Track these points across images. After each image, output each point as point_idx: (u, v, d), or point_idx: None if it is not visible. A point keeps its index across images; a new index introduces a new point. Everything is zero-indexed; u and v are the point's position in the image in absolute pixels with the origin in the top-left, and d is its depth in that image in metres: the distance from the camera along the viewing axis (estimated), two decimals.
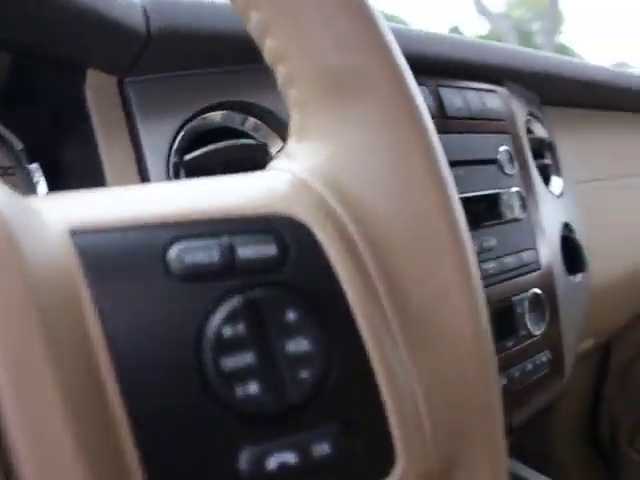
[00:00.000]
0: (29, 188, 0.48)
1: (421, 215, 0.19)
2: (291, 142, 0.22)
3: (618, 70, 0.99)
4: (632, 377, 1.32)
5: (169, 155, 0.42)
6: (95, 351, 0.16)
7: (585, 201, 0.82)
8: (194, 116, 0.43)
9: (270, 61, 0.21)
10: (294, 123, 0.21)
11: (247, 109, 0.45)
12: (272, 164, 0.22)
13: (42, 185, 0.48)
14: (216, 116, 0.45)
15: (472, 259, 0.20)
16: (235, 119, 0.46)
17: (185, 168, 0.43)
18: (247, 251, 0.18)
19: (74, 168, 0.45)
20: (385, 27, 0.20)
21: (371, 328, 0.18)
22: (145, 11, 0.39)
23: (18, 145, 0.48)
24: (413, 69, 0.20)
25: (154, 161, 0.41)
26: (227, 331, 0.18)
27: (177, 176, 0.42)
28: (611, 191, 0.91)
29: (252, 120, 0.46)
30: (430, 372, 0.19)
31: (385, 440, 0.19)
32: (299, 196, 0.19)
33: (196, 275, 0.18)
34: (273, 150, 0.46)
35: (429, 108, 0.20)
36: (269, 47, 0.20)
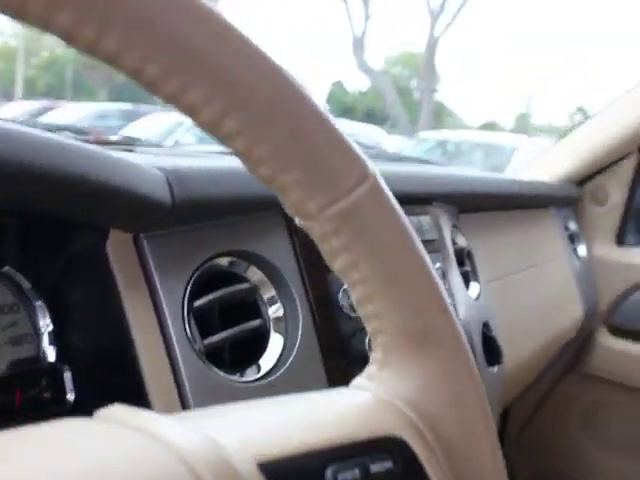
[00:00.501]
0: (33, 324, 0.51)
1: (470, 426, 0.28)
2: (373, 369, 0.29)
3: (517, 178, 1.15)
4: (527, 438, 1.47)
5: (183, 302, 0.48)
6: None
7: (498, 296, 0.95)
8: (203, 263, 0.50)
9: (364, 316, 0.28)
10: (377, 356, 0.29)
11: (245, 256, 0.52)
12: (356, 383, 0.30)
13: (46, 321, 0.52)
14: (223, 262, 0.51)
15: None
16: (240, 265, 0.52)
17: (193, 313, 0.49)
18: (376, 467, 0.25)
19: (87, 309, 0.49)
20: (444, 292, 0.28)
21: None
22: (169, 183, 0.45)
23: (25, 284, 0.52)
24: None
25: (171, 307, 0.47)
26: None
27: (189, 320, 0.48)
28: (518, 284, 1.04)
29: (246, 264, 0.53)
30: None
31: None
32: (395, 417, 0.27)
33: None
34: (264, 293, 0.53)
35: None
36: (368, 312, 0.28)
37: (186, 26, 0.21)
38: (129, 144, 0.79)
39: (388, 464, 0.25)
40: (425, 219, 0.75)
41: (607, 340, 1.41)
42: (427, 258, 0.28)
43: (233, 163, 0.53)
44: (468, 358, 0.29)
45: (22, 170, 0.37)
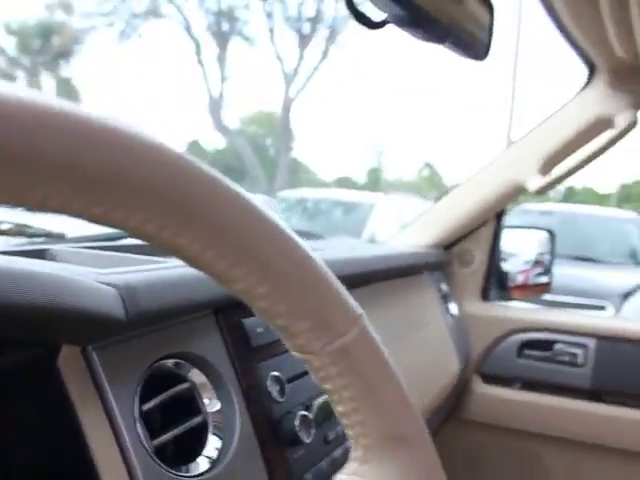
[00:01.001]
0: None
1: None
2: (354, 465, 0.35)
3: (393, 249, 1.25)
4: None
5: (133, 407, 0.51)
6: None
7: None
8: (150, 366, 0.53)
9: (348, 424, 0.34)
10: (358, 454, 0.34)
11: (187, 357, 0.56)
12: (341, 478, 0.35)
13: None
14: (168, 364, 0.55)
15: None
16: (184, 366, 0.56)
17: (142, 416, 0.52)
18: None
19: (35, 423, 0.50)
20: (412, 402, 0.35)
21: None
22: (122, 299, 0.48)
23: None
24: None
25: (122, 413, 0.50)
26: None
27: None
28: (402, 348, 1.13)
29: (188, 365, 0.56)
30: None
31: None
32: None
33: None
34: (203, 392, 0.57)
35: None
36: (353, 421, 0.33)
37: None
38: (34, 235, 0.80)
39: None
40: None
41: (480, 387, 1.54)
42: (401, 377, 0.35)
43: (174, 271, 0.57)
44: (434, 457, 0.36)
45: None
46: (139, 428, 0.50)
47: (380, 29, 0.61)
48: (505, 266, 1.72)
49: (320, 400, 0.68)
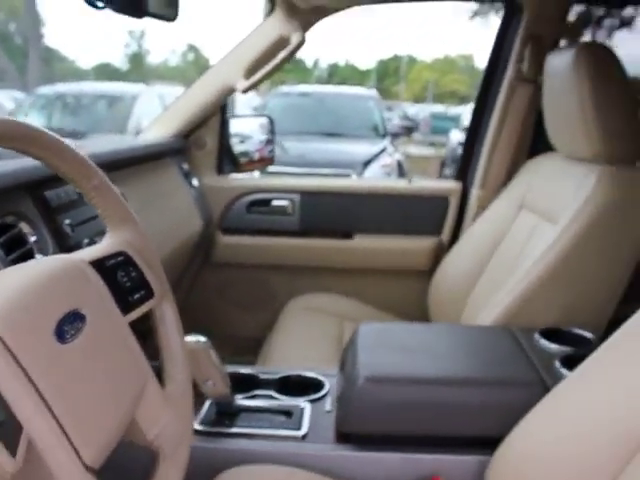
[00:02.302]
0: None
1: None
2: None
3: (146, 141, 1.73)
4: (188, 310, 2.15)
5: None
6: None
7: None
8: None
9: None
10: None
11: (15, 214, 1.02)
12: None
13: None
14: (6, 220, 1.00)
15: None
16: (15, 219, 1.02)
17: None
18: None
19: None
20: None
21: None
22: None
23: None
24: None
25: None
26: None
27: None
28: (154, 213, 1.65)
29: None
30: None
31: None
32: None
33: None
34: (28, 233, 1.04)
35: None
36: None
37: None
38: None
39: None
40: None
41: (222, 239, 2.14)
42: None
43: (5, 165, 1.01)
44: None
45: None
46: None
47: None
48: (244, 146, 2.28)
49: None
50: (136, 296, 0.80)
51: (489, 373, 1.10)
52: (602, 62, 1.43)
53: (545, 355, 1.17)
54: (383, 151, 6.41)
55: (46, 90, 8.13)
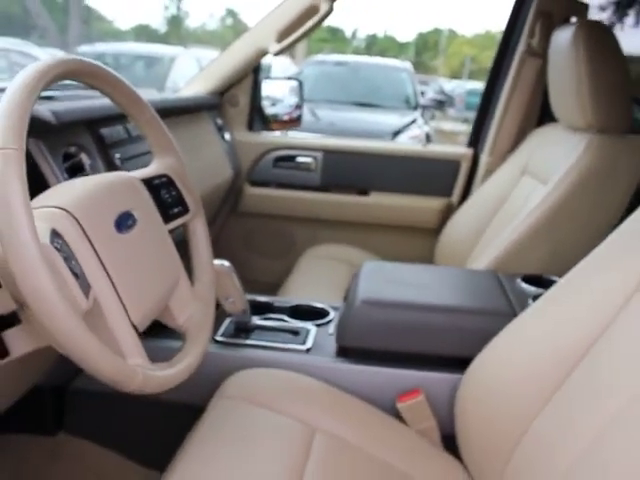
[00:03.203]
0: None
1: None
2: None
3: (184, 95, 1.94)
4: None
5: (61, 165, 1.17)
6: None
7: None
8: (63, 148, 1.19)
9: None
10: None
11: (78, 145, 1.23)
12: None
13: None
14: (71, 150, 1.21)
15: None
16: (78, 151, 1.23)
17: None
18: None
19: None
20: None
21: None
22: (53, 113, 1.14)
23: None
24: None
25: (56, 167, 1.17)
26: None
27: None
28: (192, 158, 1.85)
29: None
30: None
31: None
32: None
33: None
34: (86, 162, 1.25)
35: None
36: None
37: None
38: None
39: None
40: None
41: (249, 190, 2.35)
42: None
43: (79, 104, 1.22)
44: None
45: None
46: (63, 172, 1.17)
47: None
48: (274, 109, 2.47)
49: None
50: (175, 210, 1.01)
51: (469, 303, 1.29)
52: (599, 39, 1.59)
53: (521, 295, 1.36)
54: (413, 123, 6.54)
55: (86, 49, 8.37)
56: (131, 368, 0.75)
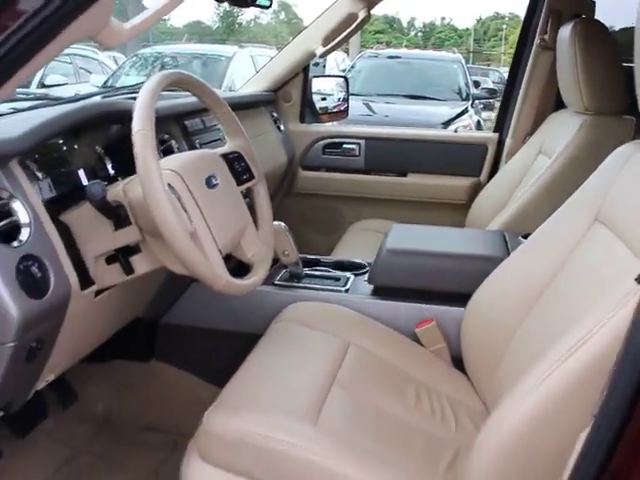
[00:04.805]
0: None
1: None
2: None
3: (245, 93, 2.38)
4: None
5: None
6: None
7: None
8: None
9: None
10: None
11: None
12: None
13: None
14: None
15: None
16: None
17: None
18: None
19: None
20: None
21: None
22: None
23: None
24: None
25: None
26: None
27: None
28: (255, 144, 2.30)
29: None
30: None
31: None
32: None
33: None
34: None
35: None
36: None
37: None
38: None
39: None
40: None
41: (302, 173, 2.79)
42: None
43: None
44: None
45: None
46: None
47: None
48: (324, 103, 2.90)
49: None
50: (244, 177, 1.45)
51: (471, 251, 1.69)
52: (593, 34, 1.96)
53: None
54: (463, 113, 6.88)
55: (145, 50, 8.92)
56: (219, 274, 1.19)
